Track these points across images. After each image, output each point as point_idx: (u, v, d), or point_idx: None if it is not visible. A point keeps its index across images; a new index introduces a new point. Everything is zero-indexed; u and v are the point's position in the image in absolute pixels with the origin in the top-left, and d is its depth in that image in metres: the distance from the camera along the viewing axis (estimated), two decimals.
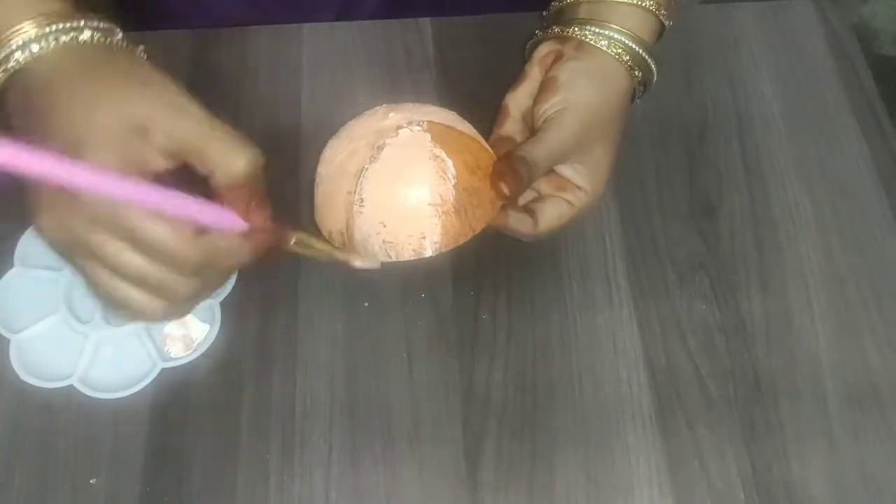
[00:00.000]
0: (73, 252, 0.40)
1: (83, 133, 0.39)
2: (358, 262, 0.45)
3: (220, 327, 0.52)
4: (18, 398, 0.50)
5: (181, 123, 0.40)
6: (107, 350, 0.51)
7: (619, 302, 0.54)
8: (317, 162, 0.50)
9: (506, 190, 0.45)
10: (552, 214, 0.49)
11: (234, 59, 0.63)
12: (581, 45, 0.50)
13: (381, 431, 0.50)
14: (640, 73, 0.50)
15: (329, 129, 0.51)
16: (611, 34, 0.49)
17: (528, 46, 0.54)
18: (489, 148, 0.49)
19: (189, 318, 0.52)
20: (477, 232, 0.46)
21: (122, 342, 0.51)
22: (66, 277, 0.53)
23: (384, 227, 0.45)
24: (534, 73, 0.52)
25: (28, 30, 0.41)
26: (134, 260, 0.39)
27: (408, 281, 0.54)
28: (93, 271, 0.40)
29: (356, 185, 0.46)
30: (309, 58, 0.63)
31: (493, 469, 0.48)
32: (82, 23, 0.42)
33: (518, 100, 0.52)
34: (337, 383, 0.51)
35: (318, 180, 0.49)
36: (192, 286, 0.41)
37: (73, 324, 0.51)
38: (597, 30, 0.49)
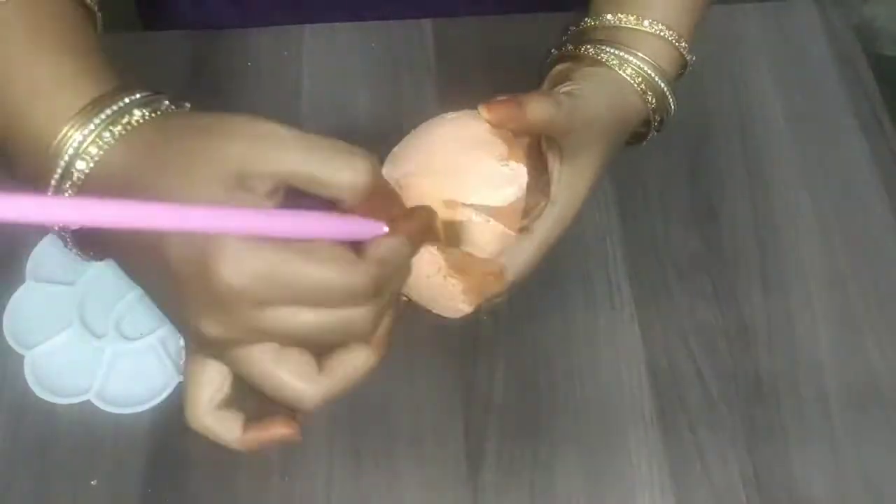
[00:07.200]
0: (240, 342, 0.35)
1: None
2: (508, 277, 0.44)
3: None
4: (20, 399, 0.49)
5: (278, 158, 0.35)
6: (123, 365, 0.50)
7: (621, 303, 0.54)
8: None
9: (487, 114, 0.42)
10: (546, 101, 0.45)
11: (235, 60, 0.62)
12: (594, 63, 0.48)
13: (382, 432, 0.49)
14: (654, 100, 0.49)
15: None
16: (623, 54, 0.48)
17: (543, 67, 0.53)
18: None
19: None
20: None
21: (139, 357, 0.51)
22: (79, 291, 0.52)
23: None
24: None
25: (73, 135, 0.37)
26: (310, 316, 0.35)
27: None
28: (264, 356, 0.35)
29: None
30: (309, 59, 0.63)
31: (495, 470, 0.48)
32: (126, 101, 0.38)
33: None
34: None
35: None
36: (372, 314, 0.36)
37: (88, 338, 0.51)
38: (610, 49, 0.48)
